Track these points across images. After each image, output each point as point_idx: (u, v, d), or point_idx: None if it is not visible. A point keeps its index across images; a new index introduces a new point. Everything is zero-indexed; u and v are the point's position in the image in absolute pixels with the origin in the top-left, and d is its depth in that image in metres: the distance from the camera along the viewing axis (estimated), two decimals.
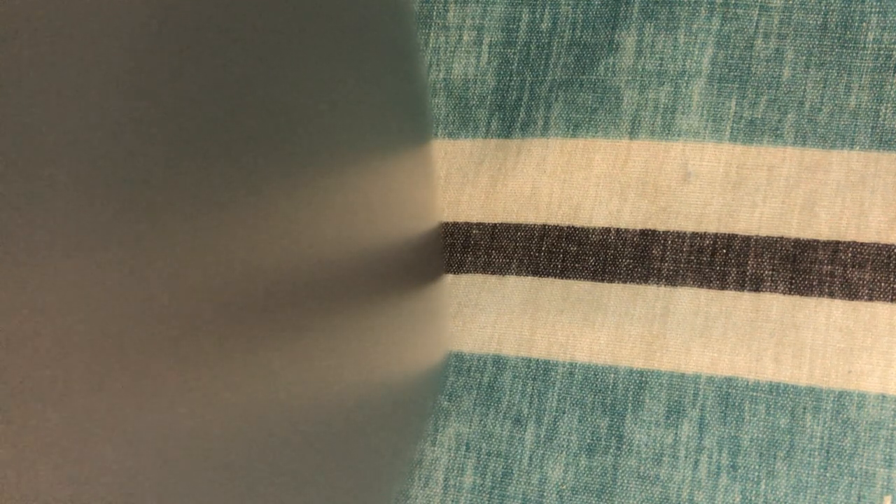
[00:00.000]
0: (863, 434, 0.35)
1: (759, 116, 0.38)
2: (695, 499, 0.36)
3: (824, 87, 0.37)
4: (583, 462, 0.37)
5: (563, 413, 0.38)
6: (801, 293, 0.36)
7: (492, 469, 0.38)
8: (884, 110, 0.37)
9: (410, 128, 0.39)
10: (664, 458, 0.36)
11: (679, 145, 0.39)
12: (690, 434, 0.36)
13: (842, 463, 0.35)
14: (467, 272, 0.40)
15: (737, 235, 0.37)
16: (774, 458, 0.35)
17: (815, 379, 0.35)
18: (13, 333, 0.16)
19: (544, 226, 0.40)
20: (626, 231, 0.39)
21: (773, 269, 0.37)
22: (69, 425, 0.18)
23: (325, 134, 0.29)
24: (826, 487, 0.34)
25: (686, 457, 0.36)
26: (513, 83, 0.41)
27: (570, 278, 0.39)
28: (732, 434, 0.36)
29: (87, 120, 0.18)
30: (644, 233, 0.38)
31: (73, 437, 0.18)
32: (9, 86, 0.16)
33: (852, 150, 0.37)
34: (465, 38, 0.42)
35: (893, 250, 0.36)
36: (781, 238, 0.37)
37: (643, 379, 0.37)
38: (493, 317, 0.39)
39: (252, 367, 0.25)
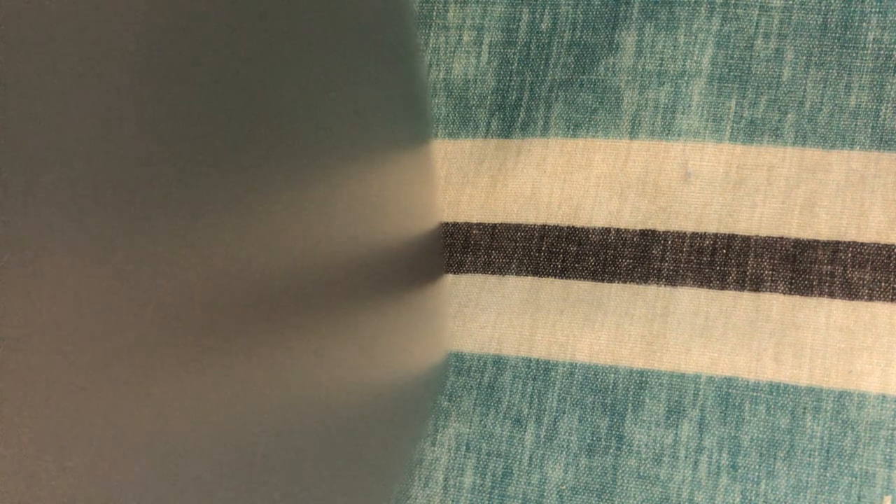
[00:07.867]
0: (863, 434, 0.35)
1: (759, 116, 0.38)
2: (695, 499, 0.36)
3: (824, 87, 0.37)
4: (583, 462, 0.37)
5: (563, 413, 0.38)
6: (801, 293, 0.36)
7: (492, 469, 0.38)
8: (884, 110, 0.37)
9: (410, 128, 0.39)
10: (664, 459, 0.36)
11: (679, 145, 0.39)
12: (690, 434, 0.36)
13: (842, 463, 0.35)
14: (467, 272, 0.40)
15: (737, 235, 0.37)
16: (774, 458, 0.35)
17: (816, 379, 0.35)
18: (13, 333, 0.16)
19: (544, 226, 0.40)
20: (626, 231, 0.39)
21: (773, 269, 0.37)
22: (69, 425, 0.18)
23: (325, 134, 0.29)
24: (826, 487, 0.34)
25: (686, 457, 0.36)
26: (513, 83, 0.41)
27: (570, 278, 0.39)
28: (732, 434, 0.36)
29: (87, 119, 0.18)
30: (644, 233, 0.38)
31: (73, 436, 0.18)
32: (9, 86, 0.16)
33: (852, 150, 0.37)
34: (465, 38, 0.42)
35: (893, 250, 0.36)
36: (781, 238, 0.37)
37: (643, 379, 0.37)
38: (493, 317, 0.39)
39: (251, 367, 0.25)
